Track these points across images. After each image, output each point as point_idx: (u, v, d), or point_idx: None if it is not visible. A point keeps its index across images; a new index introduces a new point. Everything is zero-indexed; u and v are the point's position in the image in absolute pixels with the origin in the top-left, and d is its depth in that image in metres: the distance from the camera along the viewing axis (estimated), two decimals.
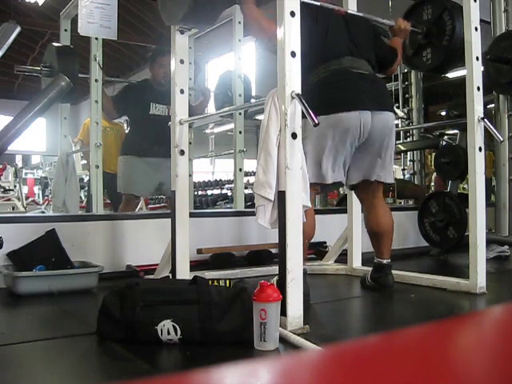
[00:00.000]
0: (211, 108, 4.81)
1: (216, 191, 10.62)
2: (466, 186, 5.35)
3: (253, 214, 1.92)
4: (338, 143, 2.24)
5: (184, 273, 2.30)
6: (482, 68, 2.34)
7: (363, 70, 2.32)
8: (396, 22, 2.62)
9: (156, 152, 3.56)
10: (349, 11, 2.53)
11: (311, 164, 2.19)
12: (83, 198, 5.85)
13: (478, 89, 2.28)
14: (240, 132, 3.78)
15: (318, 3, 2.26)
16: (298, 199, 1.74)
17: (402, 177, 6.50)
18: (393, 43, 2.61)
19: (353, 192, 2.67)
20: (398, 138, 5.29)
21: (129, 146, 3.76)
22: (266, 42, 2.17)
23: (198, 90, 4.25)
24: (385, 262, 2.41)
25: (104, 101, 3.57)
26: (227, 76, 4.22)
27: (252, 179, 7.63)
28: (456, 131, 5.08)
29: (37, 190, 12.09)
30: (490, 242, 3.23)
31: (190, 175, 4.02)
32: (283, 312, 1.61)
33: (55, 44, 3.44)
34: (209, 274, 2.50)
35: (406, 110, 5.58)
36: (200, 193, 10.55)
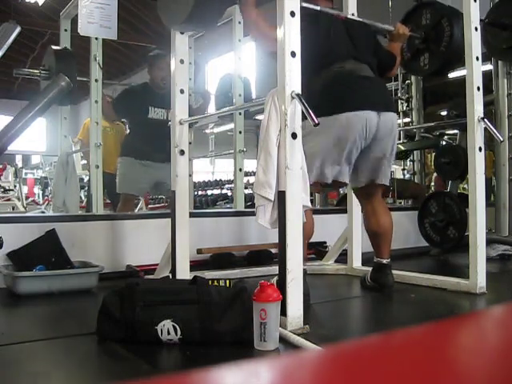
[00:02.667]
0: (211, 108, 4.82)
1: (216, 191, 10.62)
2: (465, 185, 5.35)
3: (253, 213, 1.92)
4: (343, 143, 2.23)
5: (184, 273, 2.30)
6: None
7: (366, 73, 2.33)
8: (395, 26, 2.62)
9: (154, 157, 3.62)
10: (349, 16, 2.53)
11: (314, 163, 2.19)
12: (83, 198, 5.85)
13: (478, 89, 2.28)
14: (240, 132, 3.78)
15: (318, 8, 2.26)
16: (298, 199, 1.74)
17: (402, 177, 6.49)
18: (391, 48, 2.62)
19: (352, 191, 2.68)
20: (398, 138, 5.29)
21: (128, 148, 3.80)
22: (264, 45, 2.17)
23: (198, 92, 4.26)
24: (384, 261, 2.41)
25: (103, 104, 3.58)
26: (227, 79, 4.22)
27: (252, 179, 7.63)
28: (456, 131, 5.08)
29: (37, 189, 12.08)
30: (491, 242, 3.24)
31: (190, 175, 4.02)
32: (283, 312, 1.61)
33: (54, 47, 3.44)
34: (209, 274, 2.50)
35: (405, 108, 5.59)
36: (200, 193, 10.55)
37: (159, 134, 3.35)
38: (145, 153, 3.65)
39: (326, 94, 2.24)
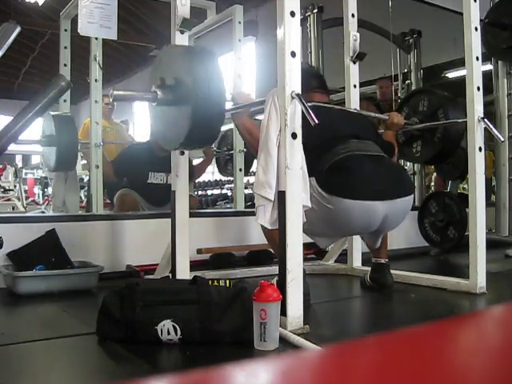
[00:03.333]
0: None
1: (216, 191, 10.61)
2: (465, 185, 5.35)
3: (253, 213, 1.92)
4: (344, 227, 2.21)
5: (184, 273, 2.30)
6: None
7: (372, 151, 2.25)
8: (390, 116, 2.60)
9: (154, 208, 3.66)
10: (345, 108, 2.56)
11: (314, 227, 2.15)
12: (83, 198, 5.85)
13: (478, 89, 2.28)
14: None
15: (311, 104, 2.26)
16: (298, 199, 1.74)
17: None
18: (386, 137, 2.58)
19: None
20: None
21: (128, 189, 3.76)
22: (249, 146, 2.16)
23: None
24: (383, 261, 2.42)
25: (104, 165, 3.59)
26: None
27: (252, 179, 7.62)
28: None
29: (37, 189, 12.08)
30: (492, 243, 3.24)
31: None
32: (283, 312, 1.61)
33: (52, 113, 3.36)
34: (209, 274, 2.50)
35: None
36: (200, 193, 10.54)
37: (159, 196, 3.46)
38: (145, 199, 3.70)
39: (332, 174, 2.12)
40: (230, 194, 9.42)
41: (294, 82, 1.73)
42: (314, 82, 2.45)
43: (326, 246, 2.43)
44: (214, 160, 4.57)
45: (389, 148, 2.47)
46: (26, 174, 12.20)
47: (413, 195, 2.35)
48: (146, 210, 3.68)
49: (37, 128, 3.12)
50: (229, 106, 2.18)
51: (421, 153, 2.84)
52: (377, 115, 2.60)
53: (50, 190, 9.27)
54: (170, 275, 2.38)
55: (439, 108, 2.70)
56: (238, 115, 2.20)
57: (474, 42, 2.28)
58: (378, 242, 2.39)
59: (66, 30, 3.80)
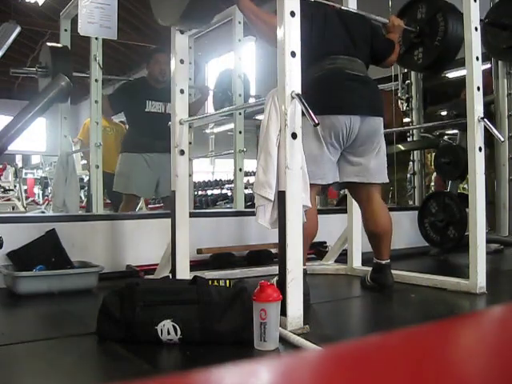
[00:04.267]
0: (211, 108, 4.82)
1: (216, 191, 10.62)
2: (465, 185, 5.35)
3: (253, 213, 1.92)
4: (331, 143, 2.26)
5: (184, 273, 2.30)
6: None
7: (357, 71, 2.33)
8: (389, 19, 2.63)
9: (156, 147, 3.58)
10: (343, 8, 2.52)
11: (310, 165, 2.18)
12: (83, 198, 5.85)
13: (478, 89, 2.28)
14: (240, 132, 3.78)
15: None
16: (298, 199, 1.74)
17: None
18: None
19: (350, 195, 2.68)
20: (404, 138, 5.30)
21: (128, 143, 3.78)
22: (267, 36, 2.10)
23: (196, 87, 4.26)
24: (384, 262, 2.41)
25: (102, 100, 3.59)
26: (227, 74, 4.22)
27: (252, 179, 7.63)
28: (456, 131, 5.08)
29: (37, 189, 12.08)
30: (489, 242, 3.24)
31: (190, 175, 4.02)
32: (283, 312, 1.61)
33: (49, 44, 3.44)
34: (209, 274, 2.50)
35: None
36: (200, 193, 10.55)
37: (158, 126, 3.38)
38: (146, 144, 3.62)
39: (315, 93, 2.18)
40: (230, 193, 9.42)
41: (294, 81, 1.73)
42: None
43: (331, 181, 2.36)
44: (214, 160, 4.57)
45: (388, 43, 2.55)
46: (25, 174, 12.22)
47: (382, 118, 2.41)
48: (147, 164, 3.65)
49: (37, 128, 3.13)
50: None
51: (422, 59, 2.84)
52: (376, 17, 2.59)
53: (49, 190, 9.28)
54: (170, 275, 2.38)
55: (437, 12, 2.69)
56: (242, 1, 2.15)
57: (474, 42, 2.28)
58: (381, 244, 2.40)
59: (66, 30, 3.80)
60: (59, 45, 3.65)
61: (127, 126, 4.12)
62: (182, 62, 2.35)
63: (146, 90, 3.65)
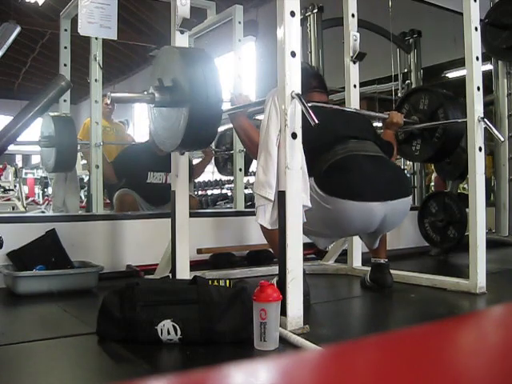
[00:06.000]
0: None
1: (216, 191, 10.62)
2: (466, 185, 5.35)
3: (253, 213, 1.92)
4: (343, 227, 2.21)
5: (184, 273, 2.30)
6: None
7: (371, 151, 2.26)
8: (389, 115, 2.60)
9: (154, 207, 3.70)
10: (344, 108, 2.55)
11: (314, 227, 2.14)
12: (83, 198, 5.85)
13: (478, 89, 2.28)
14: None
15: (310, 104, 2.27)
16: (298, 199, 1.74)
17: None
18: (385, 136, 2.58)
19: None
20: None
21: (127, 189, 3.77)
22: (250, 151, 2.13)
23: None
24: (382, 261, 2.42)
25: (104, 166, 3.60)
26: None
27: (252, 179, 7.62)
28: None
29: (37, 189, 12.08)
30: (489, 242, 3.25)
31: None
32: (283, 312, 1.61)
33: (51, 114, 3.34)
34: (209, 274, 2.50)
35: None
36: (200, 193, 10.55)
37: (157, 195, 3.51)
38: (143, 207, 3.72)
39: (330, 175, 2.11)
40: (230, 194, 9.42)
41: (293, 81, 1.73)
42: (313, 81, 2.45)
43: (325, 247, 2.44)
44: (213, 159, 4.57)
45: (388, 148, 2.47)
46: (25, 174, 12.21)
47: (411, 196, 2.35)
48: (146, 210, 3.68)
49: (36, 128, 3.12)
50: (227, 106, 2.19)
51: (420, 151, 2.84)
52: (376, 114, 2.59)
53: (49, 190, 9.28)
54: (170, 275, 2.38)
55: (439, 107, 2.70)
56: (235, 117, 2.20)
57: (474, 42, 2.28)
58: (377, 242, 2.39)
59: (65, 30, 3.80)
60: (62, 114, 3.56)
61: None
62: None
63: (149, 159, 3.63)
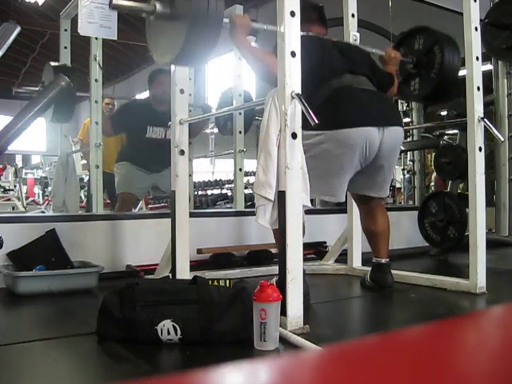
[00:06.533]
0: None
1: (216, 191, 10.63)
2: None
3: (253, 213, 1.92)
4: (345, 161, 2.20)
5: (184, 273, 2.30)
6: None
7: (365, 85, 2.29)
8: (385, 51, 2.62)
9: (150, 168, 3.72)
10: (342, 41, 2.54)
11: (320, 182, 2.15)
12: (83, 198, 5.85)
13: (478, 89, 2.28)
14: (240, 132, 3.78)
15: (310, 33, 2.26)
16: (298, 199, 1.74)
17: (402, 177, 6.49)
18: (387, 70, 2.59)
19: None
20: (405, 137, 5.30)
21: (124, 156, 3.86)
22: (268, 77, 2.06)
23: (198, 106, 4.25)
24: (383, 261, 2.41)
25: (102, 120, 3.59)
26: (229, 95, 4.21)
27: (252, 179, 7.63)
28: (456, 131, 5.08)
29: (37, 189, 12.09)
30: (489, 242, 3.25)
31: (190, 175, 4.02)
32: (283, 312, 1.61)
33: (52, 63, 3.37)
34: (209, 274, 2.50)
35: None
36: (200, 193, 10.56)
37: (156, 151, 3.48)
38: (141, 163, 3.74)
39: (325, 109, 2.13)
40: (230, 193, 9.42)
41: (294, 81, 1.73)
42: (313, 13, 2.47)
43: (343, 199, 2.36)
44: (214, 160, 4.57)
45: (389, 78, 2.52)
46: (25, 174, 12.22)
47: (403, 129, 2.38)
48: (143, 185, 3.72)
49: (37, 128, 3.12)
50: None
51: (418, 90, 2.85)
52: (373, 50, 2.59)
53: (49, 190, 9.28)
54: (170, 275, 2.38)
55: (435, 44, 2.70)
56: (237, 36, 2.11)
57: (474, 42, 2.28)
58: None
59: (65, 30, 3.80)
60: (62, 63, 3.61)
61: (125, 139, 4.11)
62: None
63: (148, 114, 3.65)
